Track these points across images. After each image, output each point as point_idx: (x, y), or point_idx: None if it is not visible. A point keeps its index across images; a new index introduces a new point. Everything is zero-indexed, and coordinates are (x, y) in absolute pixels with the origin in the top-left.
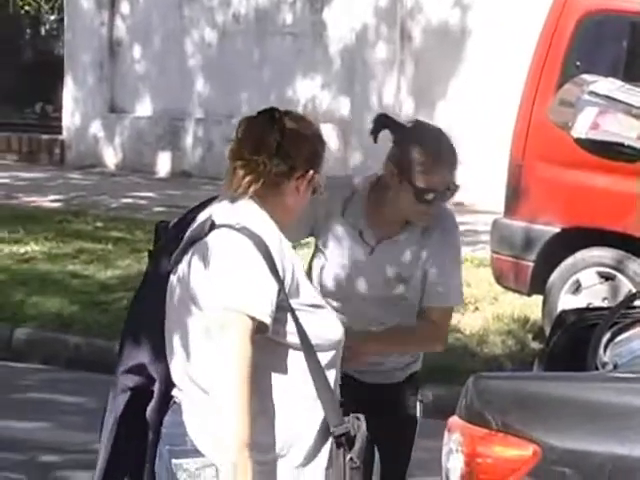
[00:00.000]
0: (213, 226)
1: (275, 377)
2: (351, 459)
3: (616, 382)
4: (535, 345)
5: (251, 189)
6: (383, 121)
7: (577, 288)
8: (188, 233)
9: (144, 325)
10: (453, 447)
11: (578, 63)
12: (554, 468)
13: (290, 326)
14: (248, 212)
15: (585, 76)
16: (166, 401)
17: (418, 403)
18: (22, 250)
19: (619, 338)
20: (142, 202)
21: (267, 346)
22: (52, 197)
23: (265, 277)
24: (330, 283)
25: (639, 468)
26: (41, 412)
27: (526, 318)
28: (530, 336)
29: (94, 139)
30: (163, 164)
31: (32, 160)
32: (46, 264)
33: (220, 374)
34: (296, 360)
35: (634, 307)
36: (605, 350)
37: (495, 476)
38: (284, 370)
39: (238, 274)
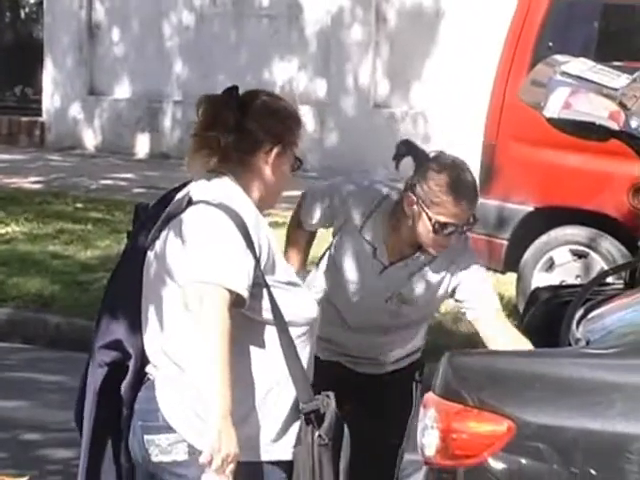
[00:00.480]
0: (190, 202)
1: (246, 352)
2: (320, 436)
3: (589, 358)
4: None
5: (207, 164)
6: (406, 148)
7: (550, 266)
8: (166, 210)
9: (121, 301)
10: (428, 423)
11: (550, 44)
12: (528, 443)
13: (265, 302)
14: (224, 189)
15: (557, 57)
16: (140, 377)
17: (415, 384)
18: (2, 231)
19: (592, 315)
20: (121, 183)
21: (241, 321)
22: (32, 179)
23: (242, 251)
24: (335, 290)
25: (611, 442)
26: (23, 391)
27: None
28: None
29: (73, 121)
30: (142, 146)
31: (12, 142)
32: (27, 245)
33: (200, 345)
34: (269, 336)
35: (606, 284)
36: (578, 326)
37: (470, 451)
38: (257, 346)
39: (215, 248)
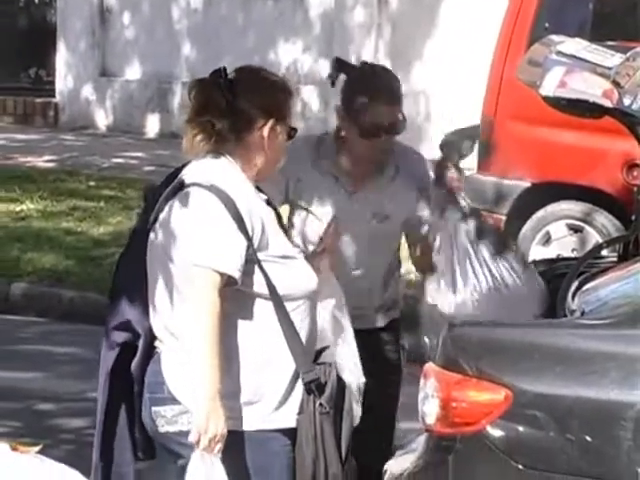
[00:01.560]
0: (183, 185)
1: (245, 326)
2: (321, 405)
3: (584, 328)
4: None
5: (206, 148)
6: (338, 65)
7: (547, 240)
8: (164, 193)
9: (129, 283)
10: (429, 392)
11: (546, 25)
12: (525, 411)
13: (259, 278)
14: (218, 170)
15: (553, 37)
16: (149, 355)
17: (400, 347)
18: (18, 208)
19: (587, 287)
20: (132, 162)
21: (239, 297)
22: (46, 157)
23: (233, 233)
24: (313, 232)
25: (606, 410)
26: (37, 363)
27: None
28: None
29: (86, 102)
30: (152, 125)
31: (27, 122)
32: (41, 222)
33: (190, 327)
34: (266, 310)
35: (601, 257)
36: (573, 298)
37: (469, 419)
38: (253, 319)
39: (206, 231)
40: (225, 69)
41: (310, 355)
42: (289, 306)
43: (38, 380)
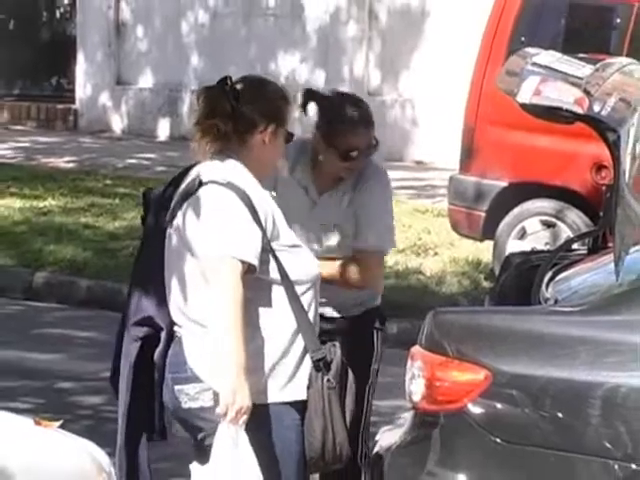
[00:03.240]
0: (201, 183)
1: (261, 310)
2: (328, 380)
3: (556, 315)
4: (486, 284)
5: (210, 150)
6: (308, 95)
7: (523, 234)
8: (180, 190)
9: (148, 280)
10: (415, 373)
11: (523, 38)
12: (503, 390)
13: (273, 265)
14: (229, 168)
15: (529, 49)
16: (170, 345)
17: (375, 332)
18: (41, 205)
19: (559, 277)
20: (145, 162)
21: (254, 283)
22: (66, 159)
23: (250, 225)
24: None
25: (576, 389)
26: (58, 345)
27: (479, 261)
28: (482, 276)
29: (103, 108)
30: (163, 129)
31: (49, 127)
32: (62, 217)
33: (217, 312)
34: (278, 294)
35: (572, 250)
36: (547, 287)
37: (451, 397)
38: (268, 303)
39: (226, 224)
40: (230, 78)
41: (316, 335)
42: (299, 290)
43: (59, 361)
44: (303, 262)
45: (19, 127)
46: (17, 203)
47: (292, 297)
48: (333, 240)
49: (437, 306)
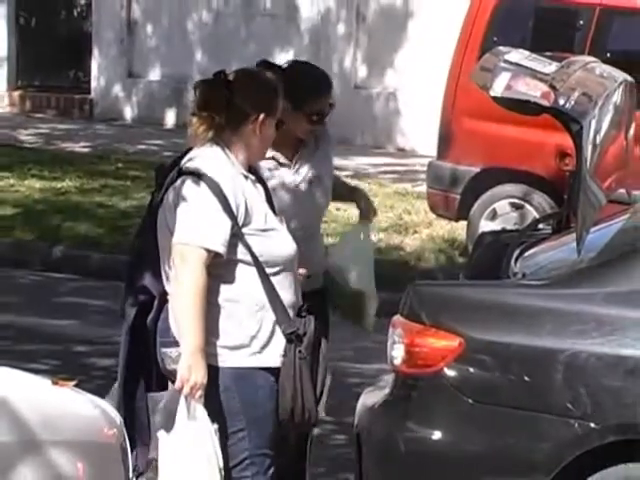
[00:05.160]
0: (180, 171)
1: (235, 287)
2: (300, 351)
3: (524, 288)
4: (461, 260)
5: (205, 138)
6: (265, 66)
7: (494, 215)
8: (169, 176)
9: (145, 252)
10: (396, 339)
11: (495, 38)
12: (475, 356)
13: (242, 249)
14: (211, 158)
15: (501, 48)
16: (161, 312)
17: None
18: (59, 185)
19: (526, 254)
20: (153, 148)
21: (227, 264)
22: (82, 144)
23: (218, 214)
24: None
25: (542, 355)
26: (73, 312)
27: (454, 239)
28: (457, 253)
29: (115, 98)
30: (170, 118)
31: (66, 115)
32: (78, 196)
33: (178, 296)
34: (250, 274)
35: (538, 230)
36: (516, 263)
37: (429, 362)
38: (242, 282)
39: (195, 214)
40: (224, 71)
41: (293, 309)
42: (271, 270)
43: (74, 327)
44: (275, 245)
45: (40, 115)
46: (37, 184)
47: (262, 276)
48: (316, 191)
49: (416, 279)
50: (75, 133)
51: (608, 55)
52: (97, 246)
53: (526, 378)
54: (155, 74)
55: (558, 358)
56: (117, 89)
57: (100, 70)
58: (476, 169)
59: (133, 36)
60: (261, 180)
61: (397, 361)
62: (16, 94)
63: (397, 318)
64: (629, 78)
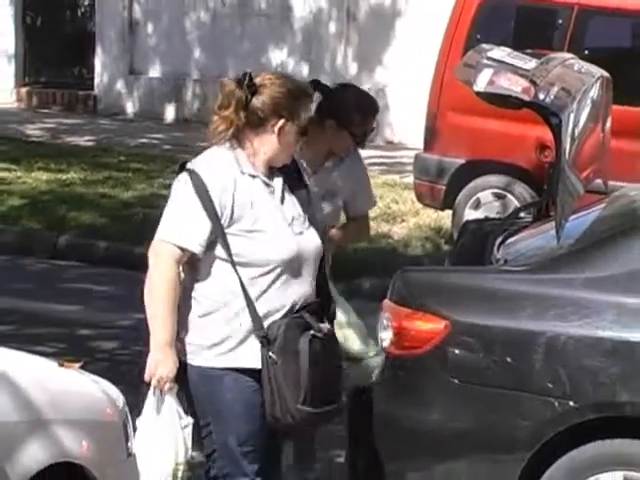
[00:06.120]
0: (180, 168)
1: (210, 286)
2: (270, 356)
3: (506, 274)
4: (446, 247)
5: (224, 137)
6: (315, 85)
7: (477, 205)
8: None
9: None
10: (385, 323)
11: (478, 36)
12: (460, 338)
13: (222, 248)
14: (211, 158)
15: (483, 45)
16: None
17: None
18: (64, 177)
19: (508, 241)
20: (154, 142)
21: (207, 262)
22: (86, 138)
23: (197, 214)
24: None
25: (522, 337)
26: (79, 297)
27: (440, 227)
28: (443, 241)
29: (118, 94)
30: (169, 113)
31: (71, 110)
32: (82, 187)
33: (148, 291)
34: (228, 273)
35: (519, 218)
36: (498, 250)
37: (416, 344)
38: (218, 281)
39: (176, 211)
40: (250, 74)
41: (281, 310)
42: (255, 272)
43: (79, 311)
44: (258, 246)
45: (46, 110)
46: (44, 176)
47: (242, 277)
48: (327, 208)
49: (404, 266)
50: (79, 127)
51: (586, 52)
52: (101, 235)
53: (508, 359)
54: (155, 71)
55: (538, 340)
56: (119, 85)
57: (103, 67)
58: (461, 161)
59: (134, 35)
60: (297, 183)
61: (386, 343)
62: (23, 90)
63: (386, 302)
64: (605, 74)
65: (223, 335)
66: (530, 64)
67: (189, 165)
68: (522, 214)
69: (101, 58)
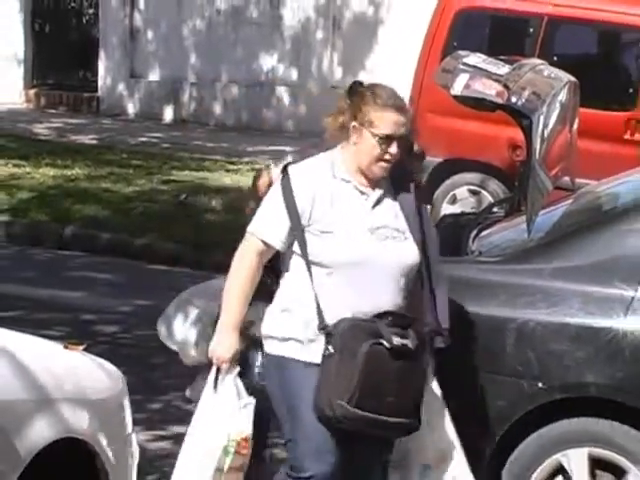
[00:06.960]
0: (283, 169)
1: (287, 282)
2: (327, 349)
3: (481, 264)
4: None
5: (337, 139)
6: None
7: (454, 200)
8: None
9: None
10: None
11: (455, 43)
12: None
13: (298, 245)
14: (310, 160)
15: (460, 52)
16: None
17: None
18: (69, 173)
19: (483, 234)
20: (153, 140)
21: (288, 260)
22: (90, 136)
23: (280, 212)
24: None
25: (496, 323)
26: (82, 284)
27: None
28: None
29: (120, 96)
30: (168, 114)
31: (76, 110)
32: (86, 182)
33: (228, 276)
34: (302, 270)
35: (493, 213)
36: (473, 242)
37: None
38: (294, 277)
39: (265, 208)
40: (361, 82)
41: (348, 314)
42: (326, 271)
43: (82, 297)
44: (328, 247)
45: (52, 111)
46: (51, 172)
47: (312, 275)
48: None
49: None
50: (84, 127)
51: (555, 58)
52: (103, 226)
53: (483, 343)
54: (154, 75)
55: (510, 326)
56: (121, 88)
57: (106, 71)
58: (439, 159)
59: (135, 41)
60: (406, 198)
61: None
62: (32, 92)
63: None
64: (573, 79)
65: (298, 330)
66: (503, 69)
67: (289, 167)
68: (495, 209)
69: (104, 62)
